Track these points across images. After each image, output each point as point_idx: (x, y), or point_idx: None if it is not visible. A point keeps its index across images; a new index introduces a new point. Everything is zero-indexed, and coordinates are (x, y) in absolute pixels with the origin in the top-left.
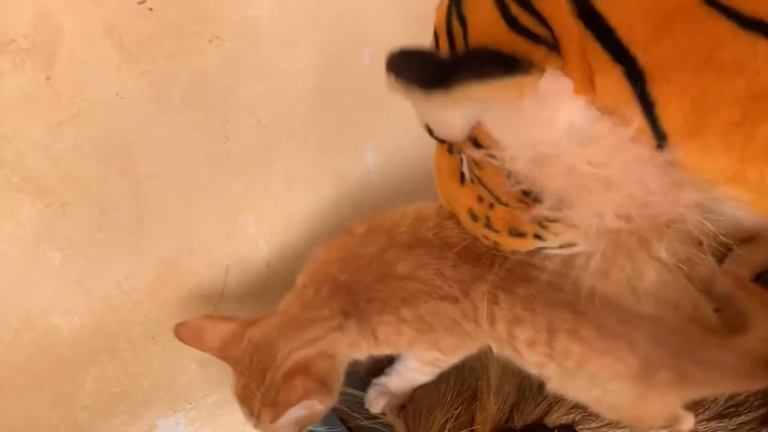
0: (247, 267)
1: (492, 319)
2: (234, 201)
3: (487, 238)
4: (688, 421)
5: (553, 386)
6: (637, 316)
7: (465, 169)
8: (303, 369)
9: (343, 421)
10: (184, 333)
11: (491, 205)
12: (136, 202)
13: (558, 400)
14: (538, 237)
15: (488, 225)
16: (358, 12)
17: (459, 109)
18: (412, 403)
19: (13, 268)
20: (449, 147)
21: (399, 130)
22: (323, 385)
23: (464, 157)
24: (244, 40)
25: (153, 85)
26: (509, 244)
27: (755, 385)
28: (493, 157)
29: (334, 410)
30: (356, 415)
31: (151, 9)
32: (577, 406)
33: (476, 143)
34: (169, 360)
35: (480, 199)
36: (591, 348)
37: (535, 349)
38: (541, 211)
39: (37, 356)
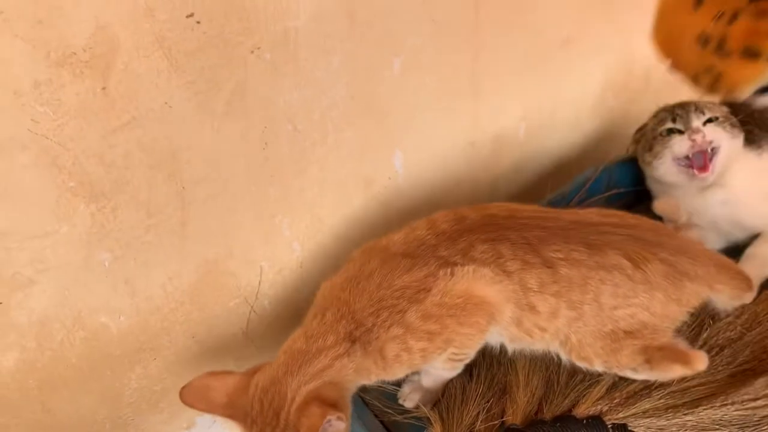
0: (282, 268)
1: (507, 272)
2: (271, 204)
3: (710, 70)
4: (702, 359)
5: (574, 346)
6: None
7: None
8: (314, 398)
9: (377, 416)
10: (188, 395)
11: (731, 19)
12: (181, 206)
13: (585, 392)
14: None
15: (720, 47)
16: (387, 23)
17: None
18: (445, 397)
19: (67, 269)
20: None
21: (426, 137)
22: (336, 407)
23: None
24: (283, 51)
25: (199, 93)
26: (737, 70)
27: None
28: None
29: (367, 406)
30: (389, 411)
31: (198, 22)
32: (602, 398)
33: None
34: (207, 358)
35: (718, 16)
36: (587, 267)
37: (544, 290)
38: None
39: (87, 354)
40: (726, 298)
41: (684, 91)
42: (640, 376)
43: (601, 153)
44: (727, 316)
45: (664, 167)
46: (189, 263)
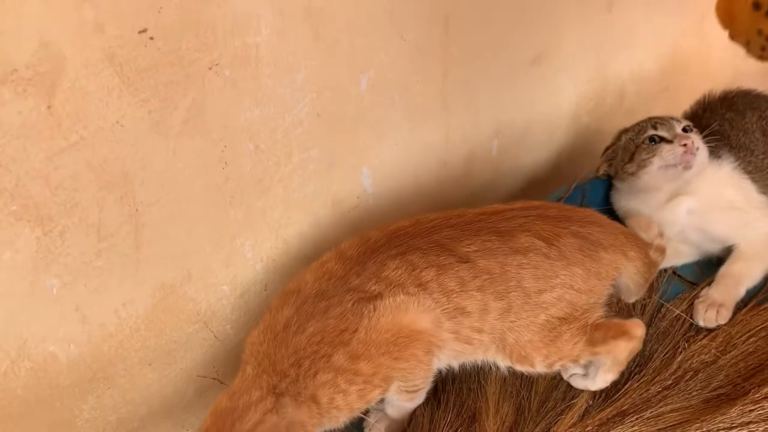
0: (245, 291)
1: (425, 285)
2: (232, 226)
3: (761, 32)
4: (638, 324)
5: (512, 346)
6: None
7: None
8: None
9: None
10: None
11: None
12: (135, 229)
13: (557, 419)
14: None
15: None
16: (353, 40)
17: None
18: (411, 426)
19: (11, 297)
20: None
21: (396, 155)
22: None
23: None
24: (243, 67)
25: (153, 112)
26: None
27: None
28: None
29: None
30: None
31: (152, 38)
32: (575, 425)
33: None
34: (165, 386)
35: None
36: (503, 254)
37: (467, 288)
38: None
39: (34, 385)
40: (638, 269)
41: (658, 107)
42: (582, 371)
43: (575, 170)
44: (702, 338)
45: (649, 175)
46: (144, 288)
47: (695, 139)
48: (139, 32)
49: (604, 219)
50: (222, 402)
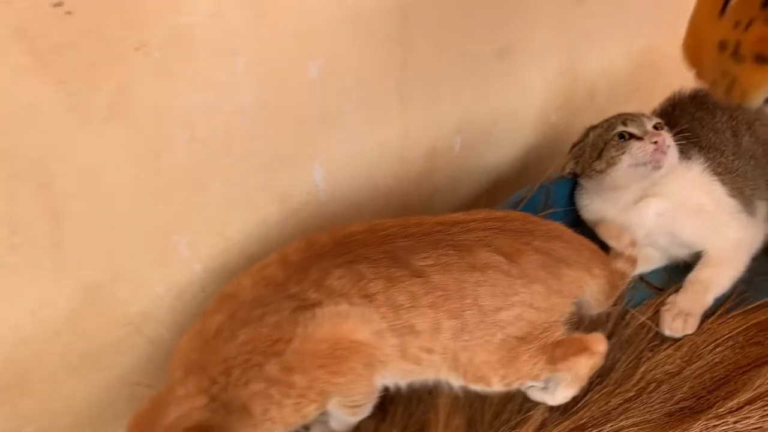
0: (182, 291)
1: (370, 296)
2: (166, 222)
3: (726, 74)
4: (600, 339)
5: (465, 365)
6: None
7: None
8: None
9: None
10: None
11: (747, 26)
12: (54, 223)
13: None
14: None
15: (735, 52)
16: (301, 23)
17: None
18: None
19: None
20: None
21: (350, 149)
22: None
23: None
24: (176, 49)
25: (72, 95)
26: (748, 76)
27: None
28: None
29: None
30: None
31: (68, 12)
32: None
33: None
34: (92, 394)
35: (736, 24)
36: (459, 270)
37: (418, 304)
38: None
39: None
40: (602, 287)
41: (630, 106)
42: (541, 384)
43: (542, 169)
44: (667, 347)
45: (618, 173)
46: (65, 287)
47: (666, 137)
48: (54, 5)
49: (568, 233)
50: (145, 405)
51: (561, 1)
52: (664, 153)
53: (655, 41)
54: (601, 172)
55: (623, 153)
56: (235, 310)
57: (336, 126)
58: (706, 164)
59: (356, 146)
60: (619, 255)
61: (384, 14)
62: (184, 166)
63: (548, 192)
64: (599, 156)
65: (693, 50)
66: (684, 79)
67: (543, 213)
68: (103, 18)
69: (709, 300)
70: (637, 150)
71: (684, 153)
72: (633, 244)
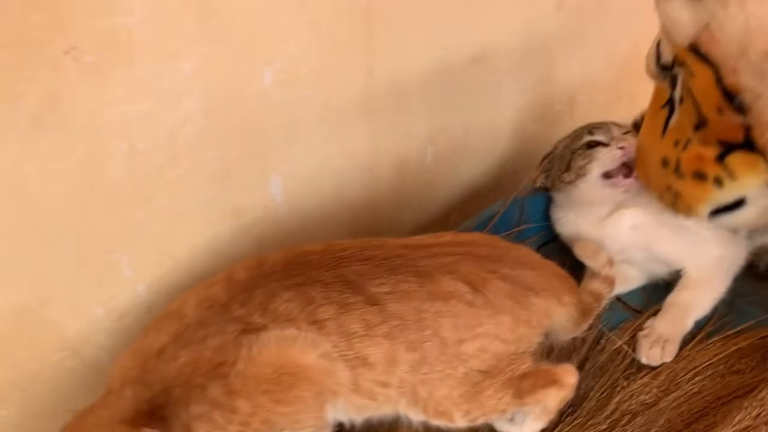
0: (124, 314)
1: (320, 323)
2: (104, 239)
3: (669, 188)
4: (570, 371)
5: (425, 400)
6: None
7: (676, 93)
8: None
9: None
10: None
11: (685, 146)
12: None
13: None
14: (717, 182)
15: (677, 170)
16: (254, 26)
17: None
18: None
19: None
20: (665, 77)
21: (311, 160)
22: None
23: (680, 76)
24: (111, 53)
25: None
26: (690, 191)
27: None
28: (710, 64)
29: None
30: None
31: None
32: None
33: (697, 51)
34: (21, 424)
35: (676, 143)
36: (419, 299)
37: (372, 333)
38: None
39: None
40: (571, 315)
41: (611, 116)
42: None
43: (519, 181)
44: (643, 375)
45: (587, 184)
46: None
47: (635, 142)
48: None
49: (537, 260)
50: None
51: (539, 7)
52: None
53: (638, 48)
54: (571, 183)
55: (590, 162)
56: (178, 331)
57: (295, 136)
58: None
59: (319, 157)
60: (595, 275)
61: (347, 18)
62: (123, 179)
63: (522, 207)
64: (568, 167)
65: (642, 167)
66: None
67: (517, 228)
68: (27, 19)
69: (688, 324)
70: (604, 156)
71: None
72: (610, 263)
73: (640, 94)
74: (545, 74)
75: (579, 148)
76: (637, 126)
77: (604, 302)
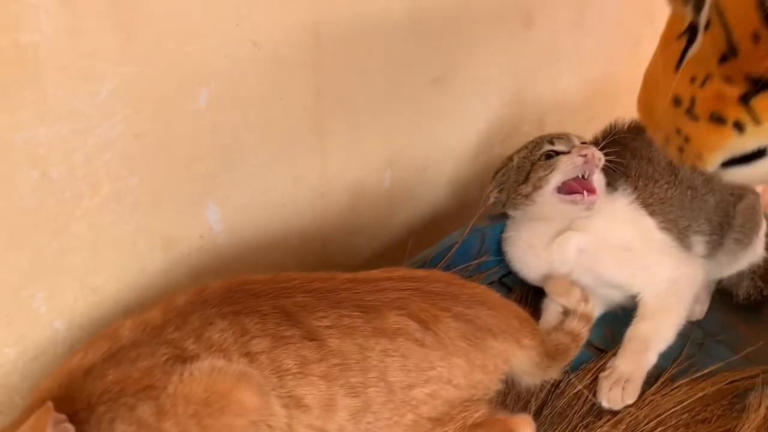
0: (39, 354)
1: (252, 356)
2: (13, 274)
3: (679, 132)
4: (527, 421)
5: None
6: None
7: (702, 17)
8: None
9: None
10: None
11: (703, 83)
12: None
13: None
14: (738, 126)
15: (690, 111)
16: (185, 44)
17: None
18: None
19: None
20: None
21: (254, 186)
22: None
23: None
24: (16, 72)
25: None
26: (703, 136)
27: None
28: None
29: None
30: None
31: None
32: None
33: None
34: None
35: (692, 79)
36: (363, 336)
37: (308, 372)
38: None
39: None
40: (532, 359)
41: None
42: None
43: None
44: (604, 423)
45: (545, 198)
46: None
47: (596, 151)
48: None
49: (495, 299)
50: None
51: (508, 25)
52: (595, 166)
53: (612, 68)
54: (527, 197)
55: (551, 172)
56: (110, 351)
57: (235, 161)
58: (635, 195)
59: (262, 183)
60: (571, 314)
61: (291, 35)
62: (35, 209)
63: (483, 237)
64: (526, 179)
65: (647, 105)
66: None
67: (477, 260)
68: None
69: (651, 358)
70: (565, 164)
71: (610, 184)
72: (585, 299)
73: (613, 114)
74: (512, 94)
75: (539, 159)
76: (605, 135)
77: (583, 342)
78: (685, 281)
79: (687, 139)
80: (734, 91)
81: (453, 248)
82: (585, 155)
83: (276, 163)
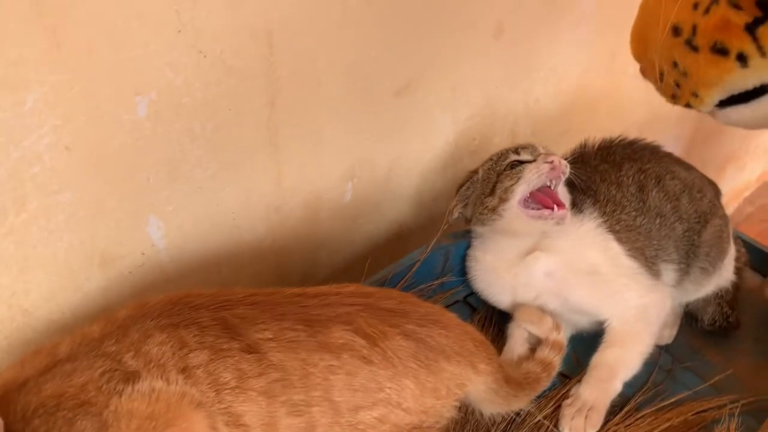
0: None
1: (189, 370)
2: None
3: (676, 66)
4: None
5: None
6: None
7: None
8: None
9: None
10: None
11: (707, 8)
12: None
13: None
14: (741, 59)
15: (690, 41)
16: (119, 50)
17: None
18: None
19: None
20: None
21: (199, 197)
22: None
23: None
24: None
25: None
26: (703, 69)
27: None
28: None
29: None
30: None
31: None
32: None
33: None
34: None
35: (695, 5)
36: (307, 350)
37: (247, 387)
38: None
39: None
40: (489, 387)
41: (555, 149)
42: None
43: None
44: None
45: (512, 212)
46: None
47: (562, 161)
48: None
49: (450, 319)
50: None
51: (477, 34)
52: (561, 175)
53: (588, 80)
54: (494, 210)
55: (517, 181)
56: (47, 366)
57: (179, 173)
58: (602, 219)
59: (211, 196)
60: (543, 342)
61: (241, 42)
62: None
63: (447, 255)
64: (492, 191)
65: (641, 37)
66: (620, 125)
67: (439, 280)
68: None
69: (617, 387)
70: (530, 172)
71: (576, 206)
72: (557, 327)
73: (588, 127)
74: (482, 105)
75: (505, 169)
76: (574, 153)
77: (555, 371)
78: (653, 308)
79: (685, 74)
80: (741, 19)
81: (414, 267)
82: (551, 162)
83: (226, 175)
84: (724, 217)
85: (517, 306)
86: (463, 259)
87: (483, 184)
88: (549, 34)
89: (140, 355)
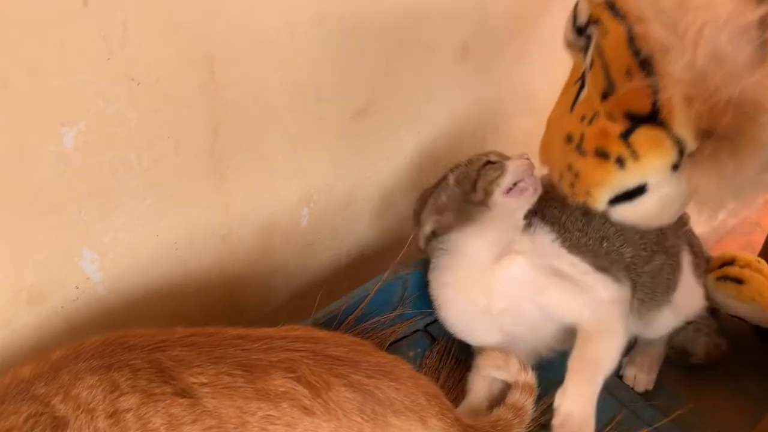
0: None
1: (118, 415)
2: None
3: (570, 168)
4: None
5: None
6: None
7: (588, 58)
8: None
9: None
10: None
11: (591, 120)
12: None
13: None
14: (619, 162)
15: (579, 147)
16: (38, 79)
17: None
18: None
19: None
20: (580, 42)
21: (137, 227)
22: None
23: (593, 38)
24: None
25: None
26: (590, 171)
27: None
28: (624, 20)
29: None
30: None
31: None
32: None
33: (612, 6)
34: None
35: (582, 118)
36: (244, 398)
37: None
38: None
39: None
40: None
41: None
42: None
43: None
44: None
45: (497, 201)
46: None
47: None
48: None
49: (404, 371)
50: None
51: (441, 54)
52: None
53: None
54: (482, 202)
55: (503, 173)
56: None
57: (115, 204)
58: (554, 235)
59: (150, 226)
60: (513, 386)
61: (178, 68)
62: None
63: (405, 284)
64: (473, 188)
65: (546, 146)
66: None
67: (396, 312)
68: None
69: (599, 384)
70: (514, 165)
71: (526, 218)
72: (524, 368)
73: None
74: (449, 126)
75: (484, 166)
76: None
77: (528, 416)
78: (620, 301)
79: (577, 175)
80: (616, 128)
81: (366, 299)
82: (528, 159)
83: (167, 205)
84: (674, 255)
85: (480, 353)
86: (424, 286)
87: (461, 185)
88: (517, 56)
89: (69, 398)
